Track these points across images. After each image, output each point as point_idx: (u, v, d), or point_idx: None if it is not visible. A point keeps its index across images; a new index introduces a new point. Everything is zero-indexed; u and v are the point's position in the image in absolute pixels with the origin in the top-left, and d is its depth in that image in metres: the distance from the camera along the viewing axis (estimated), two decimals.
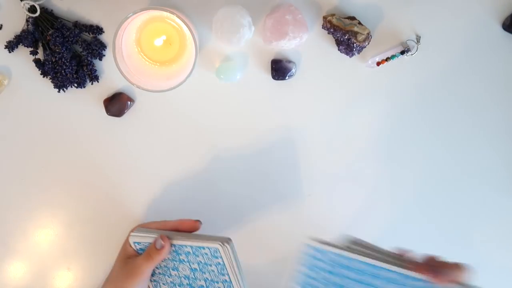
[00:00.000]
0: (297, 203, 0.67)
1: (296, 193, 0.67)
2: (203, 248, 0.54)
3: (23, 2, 0.59)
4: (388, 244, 0.67)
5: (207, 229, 0.62)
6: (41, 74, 0.62)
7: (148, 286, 0.59)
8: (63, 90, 0.62)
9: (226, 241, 0.54)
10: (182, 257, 0.56)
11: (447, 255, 0.68)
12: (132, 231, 0.59)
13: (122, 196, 0.67)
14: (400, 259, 0.48)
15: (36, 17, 0.60)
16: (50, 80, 0.62)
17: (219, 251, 0.53)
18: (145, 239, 0.57)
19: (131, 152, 0.66)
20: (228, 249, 0.53)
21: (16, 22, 0.61)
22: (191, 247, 0.55)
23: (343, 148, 0.66)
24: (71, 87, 0.63)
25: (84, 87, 0.63)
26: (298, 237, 0.67)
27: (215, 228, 0.66)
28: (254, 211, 0.67)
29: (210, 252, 0.54)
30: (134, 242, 0.58)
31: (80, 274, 0.68)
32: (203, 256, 0.55)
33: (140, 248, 0.58)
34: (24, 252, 0.68)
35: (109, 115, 0.64)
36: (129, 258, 0.58)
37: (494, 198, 0.67)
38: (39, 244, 0.68)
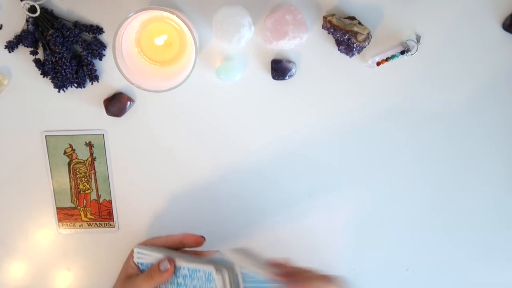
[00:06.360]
0: (298, 204, 0.67)
1: (296, 193, 0.67)
2: (199, 271, 0.52)
3: (23, 2, 0.59)
4: (393, 244, 0.66)
5: (211, 231, 0.62)
6: (41, 74, 0.62)
7: None
8: (63, 90, 0.62)
9: (223, 266, 0.51)
10: (180, 280, 0.54)
11: (448, 256, 0.68)
12: (134, 248, 0.57)
13: (122, 196, 0.67)
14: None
15: (36, 17, 0.60)
16: (50, 80, 0.62)
17: (213, 275, 0.51)
18: (148, 258, 0.55)
19: (131, 152, 0.66)
20: (224, 276, 0.50)
21: (16, 22, 0.61)
22: (188, 269, 0.53)
23: (343, 148, 0.66)
24: (71, 87, 0.63)
25: (84, 87, 0.63)
26: (301, 244, 0.67)
27: (218, 228, 0.67)
28: (254, 211, 0.67)
29: (205, 276, 0.52)
30: (138, 263, 0.57)
31: (80, 274, 0.68)
32: (198, 280, 0.53)
33: (143, 269, 0.57)
34: (24, 252, 0.68)
35: (109, 115, 0.64)
36: (130, 278, 0.57)
37: (495, 198, 0.67)
38: (39, 244, 0.68)
